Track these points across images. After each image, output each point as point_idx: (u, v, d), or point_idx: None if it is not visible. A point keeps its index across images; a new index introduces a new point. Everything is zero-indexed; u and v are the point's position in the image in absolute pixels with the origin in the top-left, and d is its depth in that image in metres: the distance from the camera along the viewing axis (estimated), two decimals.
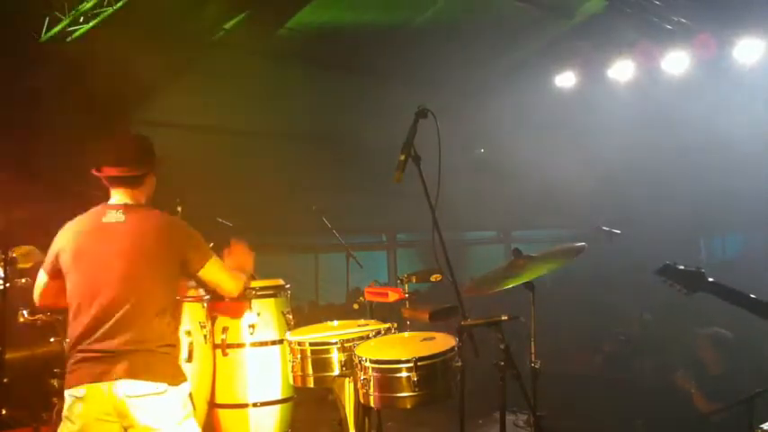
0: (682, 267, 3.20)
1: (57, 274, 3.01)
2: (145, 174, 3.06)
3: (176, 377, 2.89)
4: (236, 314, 4.02)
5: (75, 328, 2.94)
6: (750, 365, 4.98)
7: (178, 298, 3.49)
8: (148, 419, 2.76)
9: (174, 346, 2.97)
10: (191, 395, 2.97)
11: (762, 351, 5.28)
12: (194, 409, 2.99)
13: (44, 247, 3.15)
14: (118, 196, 3.04)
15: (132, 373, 2.76)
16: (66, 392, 2.84)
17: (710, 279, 3.14)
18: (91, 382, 2.76)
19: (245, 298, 3.95)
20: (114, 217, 2.95)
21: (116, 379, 2.75)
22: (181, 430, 2.84)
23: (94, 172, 3.04)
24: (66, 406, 2.84)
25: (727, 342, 5.05)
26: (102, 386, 2.75)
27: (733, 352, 5.02)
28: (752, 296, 3.05)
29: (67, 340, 2.94)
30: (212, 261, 3.09)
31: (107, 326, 2.82)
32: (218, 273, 3.14)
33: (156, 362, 2.83)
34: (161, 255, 2.93)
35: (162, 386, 2.80)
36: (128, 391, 2.75)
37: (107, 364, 2.77)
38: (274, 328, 4.10)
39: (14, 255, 4.18)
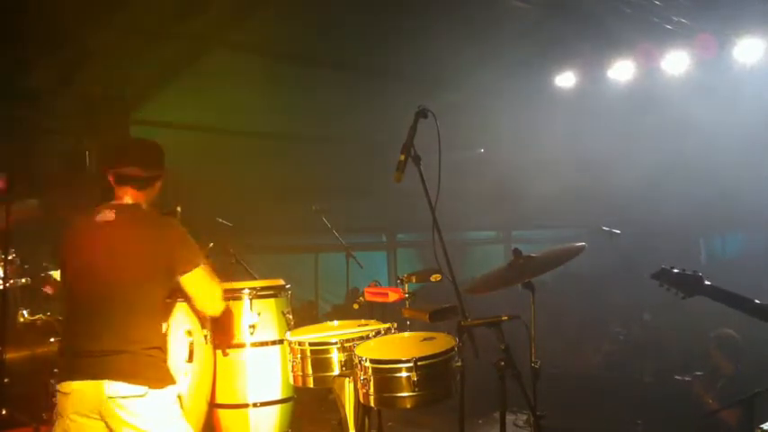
0: (678, 271, 3.20)
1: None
2: (154, 177, 3.07)
3: (160, 380, 2.85)
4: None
5: (66, 327, 2.97)
6: (762, 364, 4.98)
7: (169, 300, 3.47)
8: (132, 421, 2.75)
9: (161, 348, 2.92)
10: (180, 398, 2.94)
11: None
12: (183, 410, 2.96)
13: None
14: (119, 196, 3.03)
15: (115, 374, 2.75)
16: (57, 388, 2.86)
17: (707, 282, 3.14)
18: (76, 380, 2.77)
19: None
20: (106, 216, 2.94)
21: (100, 379, 2.75)
22: None
23: (106, 169, 3.04)
24: (57, 402, 2.86)
25: (733, 342, 5.06)
26: (87, 384, 2.76)
27: (741, 351, 5.02)
28: (749, 299, 3.06)
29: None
30: (200, 269, 2.99)
31: (94, 325, 2.82)
32: (202, 284, 3.00)
33: (139, 364, 2.80)
34: (149, 255, 2.90)
35: (142, 389, 2.77)
36: (110, 392, 2.74)
37: (93, 363, 2.77)
38: (274, 329, 4.10)
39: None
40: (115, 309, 2.83)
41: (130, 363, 2.79)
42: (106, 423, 2.78)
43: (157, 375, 2.86)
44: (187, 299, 3.30)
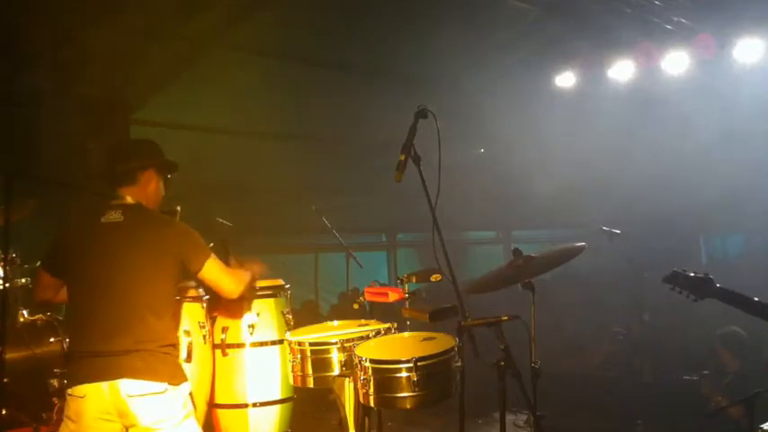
0: (690, 274, 3.22)
1: (54, 270, 3.04)
2: (136, 169, 3.08)
3: (176, 377, 2.89)
4: (236, 315, 4.02)
5: (74, 329, 2.96)
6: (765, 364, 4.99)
7: (177, 298, 3.51)
8: (149, 419, 2.78)
9: (174, 345, 2.98)
10: (191, 395, 2.98)
11: None
12: (195, 408, 3.00)
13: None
14: (118, 195, 3.06)
15: (134, 373, 2.77)
16: (68, 392, 2.85)
17: (718, 285, 3.15)
18: (92, 382, 2.77)
19: (247, 299, 3.94)
20: (113, 217, 2.97)
21: (117, 378, 2.76)
22: (181, 430, 2.85)
23: (103, 171, 3.12)
24: (67, 405, 2.85)
25: (739, 339, 5.06)
26: (104, 385, 2.76)
27: (747, 348, 5.02)
28: (758, 301, 3.06)
29: (67, 340, 2.94)
30: (211, 260, 3.09)
31: (106, 326, 2.83)
32: (218, 272, 3.13)
33: (157, 362, 2.84)
34: (159, 255, 2.94)
35: (163, 386, 2.81)
36: (129, 391, 2.76)
37: (108, 363, 2.78)
38: (274, 329, 4.10)
39: None
40: (130, 309, 2.86)
41: (149, 361, 2.82)
42: (122, 423, 2.79)
43: (174, 372, 2.90)
44: (209, 290, 3.44)
